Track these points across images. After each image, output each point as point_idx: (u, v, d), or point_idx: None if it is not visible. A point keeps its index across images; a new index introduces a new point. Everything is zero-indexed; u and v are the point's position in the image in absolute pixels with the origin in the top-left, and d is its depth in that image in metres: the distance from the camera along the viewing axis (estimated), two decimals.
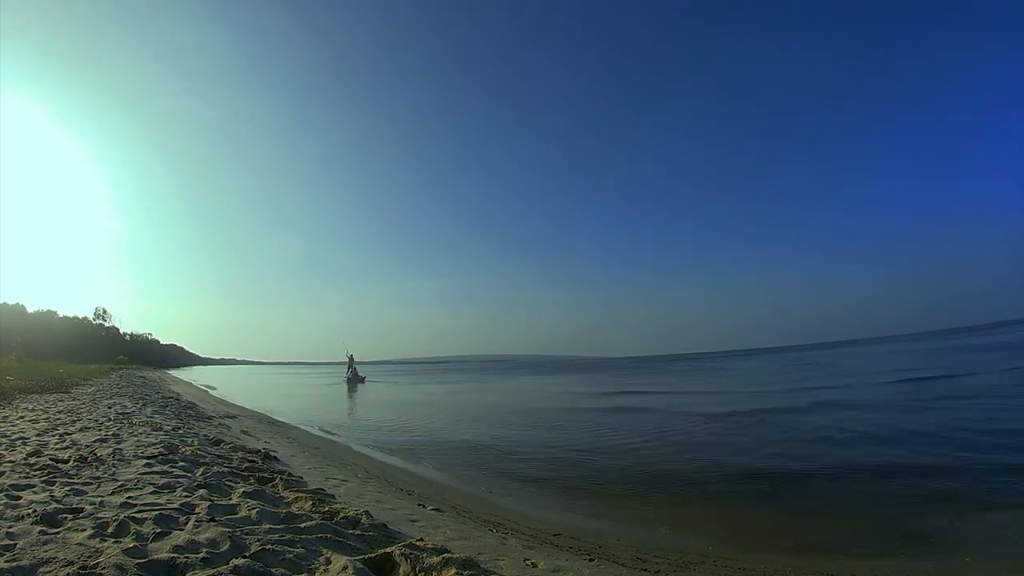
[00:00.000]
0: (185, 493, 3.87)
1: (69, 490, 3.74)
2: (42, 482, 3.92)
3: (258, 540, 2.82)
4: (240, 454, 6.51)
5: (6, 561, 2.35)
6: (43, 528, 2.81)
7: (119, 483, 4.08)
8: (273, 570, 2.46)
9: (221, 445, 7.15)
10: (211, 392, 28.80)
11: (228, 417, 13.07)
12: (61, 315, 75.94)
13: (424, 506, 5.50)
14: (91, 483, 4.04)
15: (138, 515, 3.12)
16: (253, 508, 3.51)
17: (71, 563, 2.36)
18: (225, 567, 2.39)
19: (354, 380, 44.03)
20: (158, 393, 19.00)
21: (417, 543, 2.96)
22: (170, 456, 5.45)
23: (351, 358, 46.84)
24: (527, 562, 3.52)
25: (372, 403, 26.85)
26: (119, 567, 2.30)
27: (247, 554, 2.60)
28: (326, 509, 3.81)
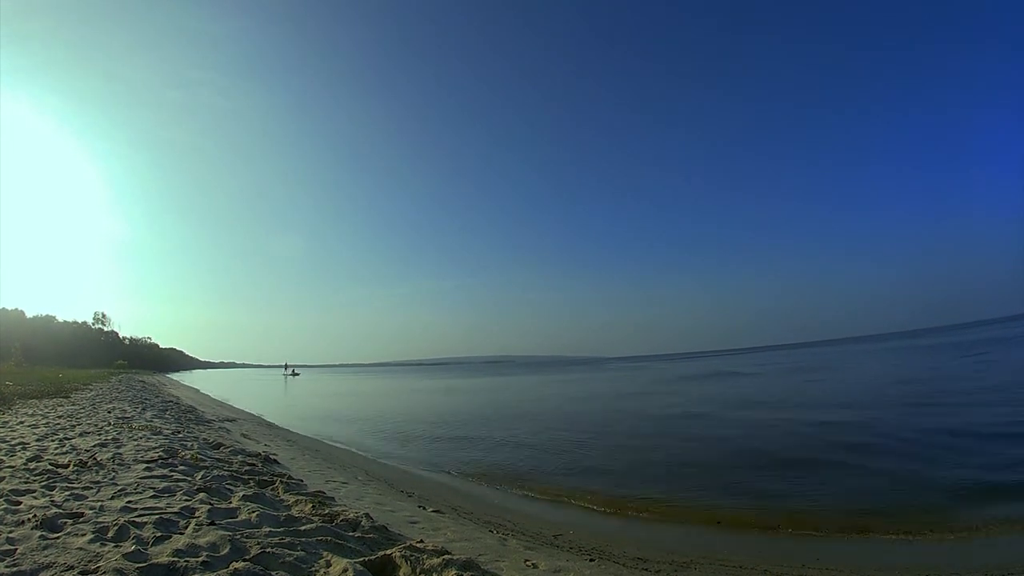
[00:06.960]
0: (185, 497, 3.87)
1: (69, 495, 3.74)
2: (42, 487, 3.92)
3: (258, 543, 2.82)
4: (240, 457, 6.51)
5: (6, 566, 2.35)
6: (43, 533, 2.81)
7: (119, 487, 4.08)
8: (273, 573, 2.47)
9: (221, 449, 7.14)
10: (211, 396, 29.32)
11: (228, 420, 13.05)
12: (60, 320, 75.78)
13: (425, 508, 5.50)
14: (91, 488, 4.04)
15: (138, 519, 3.12)
16: (253, 511, 3.51)
17: (71, 568, 2.37)
18: (225, 570, 2.40)
19: (290, 375, 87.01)
20: (157, 397, 18.98)
21: (417, 545, 2.97)
22: (170, 460, 5.44)
23: (292, 367, 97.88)
24: (528, 563, 3.53)
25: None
26: (119, 571, 2.30)
27: (247, 557, 2.61)
28: (326, 512, 3.81)
